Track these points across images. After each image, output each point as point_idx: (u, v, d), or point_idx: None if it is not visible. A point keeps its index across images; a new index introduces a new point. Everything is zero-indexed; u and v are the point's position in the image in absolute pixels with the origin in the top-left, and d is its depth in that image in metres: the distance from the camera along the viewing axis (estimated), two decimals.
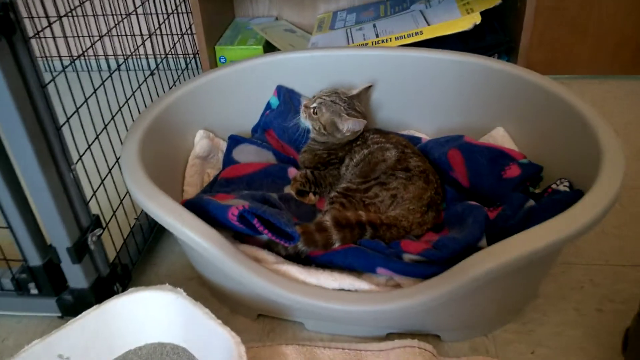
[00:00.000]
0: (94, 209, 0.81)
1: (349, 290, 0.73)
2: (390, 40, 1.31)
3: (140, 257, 0.95)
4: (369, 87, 1.13)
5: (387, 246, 0.81)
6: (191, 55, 1.46)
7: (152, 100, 1.03)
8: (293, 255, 0.81)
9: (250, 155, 1.11)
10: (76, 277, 0.78)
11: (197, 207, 0.78)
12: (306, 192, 1.04)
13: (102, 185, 0.84)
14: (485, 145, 1.00)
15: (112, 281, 0.83)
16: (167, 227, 0.74)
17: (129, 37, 1.48)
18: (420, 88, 1.16)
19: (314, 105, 1.05)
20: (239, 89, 1.16)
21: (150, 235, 1.01)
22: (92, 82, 0.84)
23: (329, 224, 0.82)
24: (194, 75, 1.25)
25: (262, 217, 0.76)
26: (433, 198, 0.92)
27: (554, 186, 0.85)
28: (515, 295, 0.80)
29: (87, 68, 1.08)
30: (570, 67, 1.64)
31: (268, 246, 0.82)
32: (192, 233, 0.72)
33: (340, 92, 1.07)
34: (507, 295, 0.78)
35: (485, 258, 0.66)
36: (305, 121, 1.07)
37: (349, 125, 1.03)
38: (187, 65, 1.44)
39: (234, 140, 1.14)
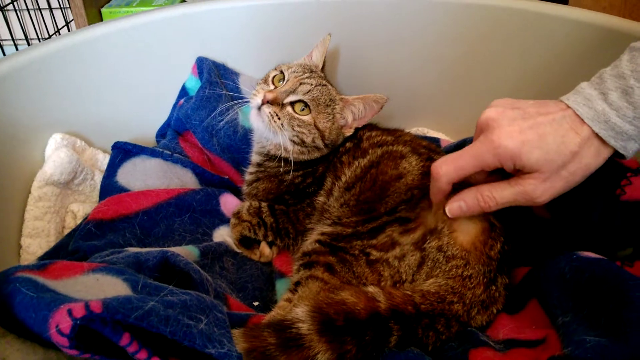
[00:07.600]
0: None
1: None
2: None
3: None
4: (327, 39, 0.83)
5: None
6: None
7: None
8: None
9: (150, 176, 0.85)
10: None
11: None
12: (255, 242, 0.77)
13: None
14: None
15: None
16: None
17: None
18: (431, 55, 0.91)
19: (296, 98, 0.72)
20: (129, 62, 0.89)
21: None
22: None
23: (304, 327, 0.51)
24: None
25: (142, 327, 0.43)
26: (504, 249, 0.63)
27: None
28: None
29: None
30: None
31: None
32: None
33: (310, 64, 0.80)
34: None
35: None
36: (270, 130, 0.73)
37: (363, 111, 0.76)
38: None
39: (122, 152, 0.87)
